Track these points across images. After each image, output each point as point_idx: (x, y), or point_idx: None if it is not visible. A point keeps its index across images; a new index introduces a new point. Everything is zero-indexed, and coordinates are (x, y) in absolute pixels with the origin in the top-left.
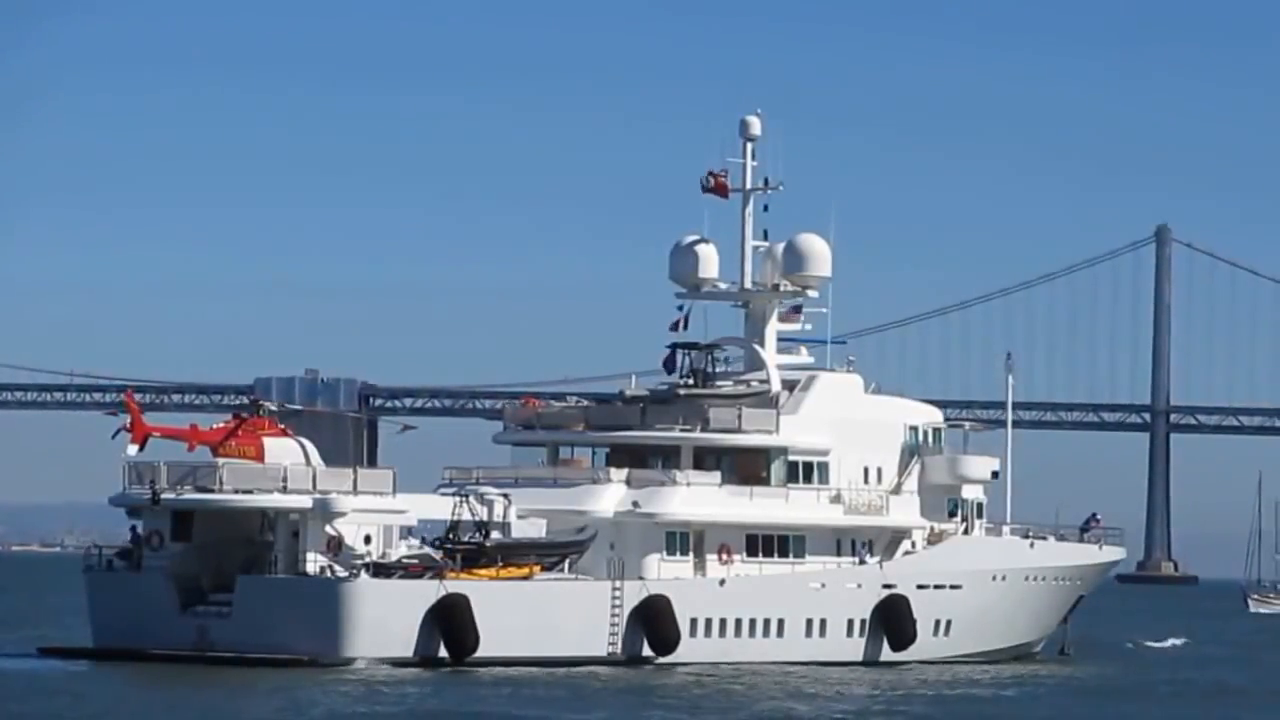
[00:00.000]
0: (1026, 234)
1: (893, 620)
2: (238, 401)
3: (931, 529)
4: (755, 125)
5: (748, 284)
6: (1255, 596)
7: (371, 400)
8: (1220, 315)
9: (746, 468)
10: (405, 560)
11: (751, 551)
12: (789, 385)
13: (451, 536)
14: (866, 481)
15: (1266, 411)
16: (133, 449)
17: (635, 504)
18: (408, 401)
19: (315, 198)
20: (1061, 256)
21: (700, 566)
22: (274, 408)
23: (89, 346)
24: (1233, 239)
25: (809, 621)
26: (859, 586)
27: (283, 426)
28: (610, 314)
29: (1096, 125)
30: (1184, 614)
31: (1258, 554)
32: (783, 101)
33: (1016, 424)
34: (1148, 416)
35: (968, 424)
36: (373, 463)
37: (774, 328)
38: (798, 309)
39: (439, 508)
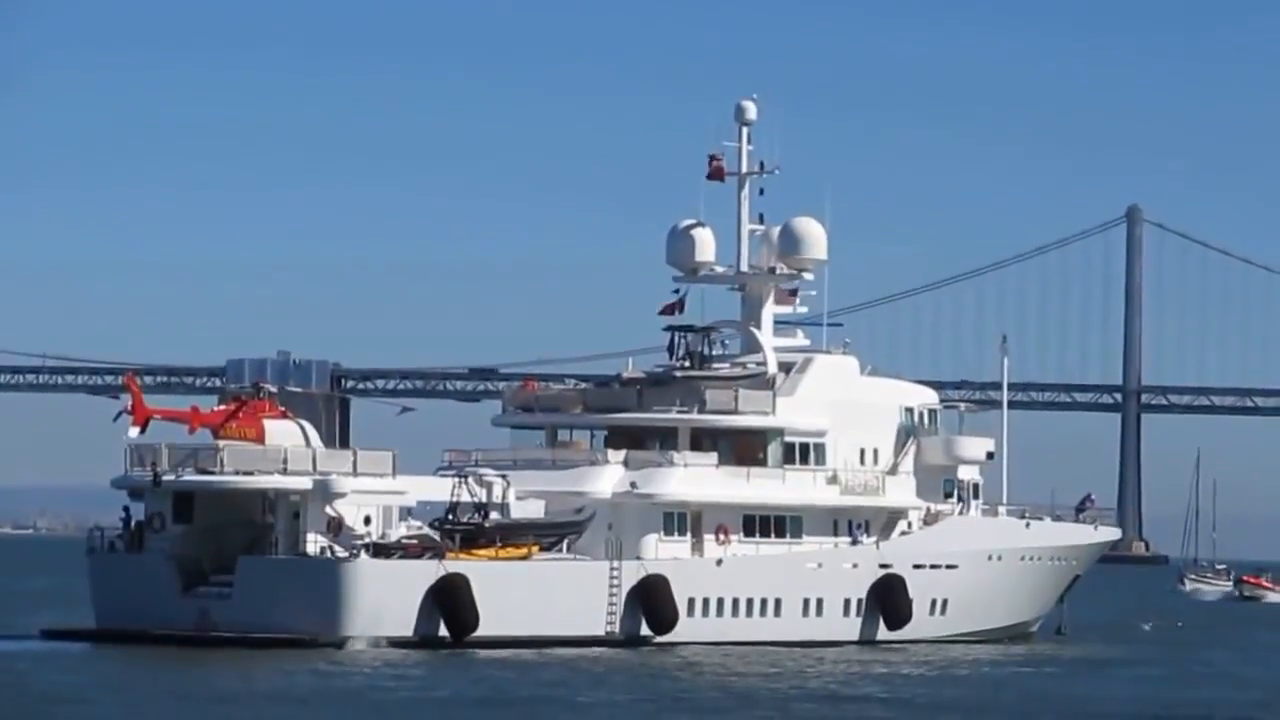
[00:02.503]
0: (996, 215)
1: (889, 600)
2: (209, 383)
3: (927, 509)
4: (751, 110)
5: (744, 267)
6: (1191, 576)
7: (344, 382)
8: (1191, 296)
9: (743, 449)
10: (405, 541)
11: (749, 532)
12: (785, 367)
13: (451, 517)
14: (863, 462)
15: (1238, 391)
16: (134, 431)
17: (633, 485)
18: (380, 383)
19: (306, 179)
20: (1032, 237)
21: (698, 547)
22: (274, 389)
23: (62, 329)
24: (1204, 219)
25: (806, 601)
26: (855, 566)
27: (282, 409)
28: (595, 295)
29: (1067, 105)
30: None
31: (1194, 533)
32: (776, 85)
33: (990, 404)
34: (1119, 397)
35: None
36: (345, 443)
37: (770, 310)
38: (794, 292)
39: (438, 489)
